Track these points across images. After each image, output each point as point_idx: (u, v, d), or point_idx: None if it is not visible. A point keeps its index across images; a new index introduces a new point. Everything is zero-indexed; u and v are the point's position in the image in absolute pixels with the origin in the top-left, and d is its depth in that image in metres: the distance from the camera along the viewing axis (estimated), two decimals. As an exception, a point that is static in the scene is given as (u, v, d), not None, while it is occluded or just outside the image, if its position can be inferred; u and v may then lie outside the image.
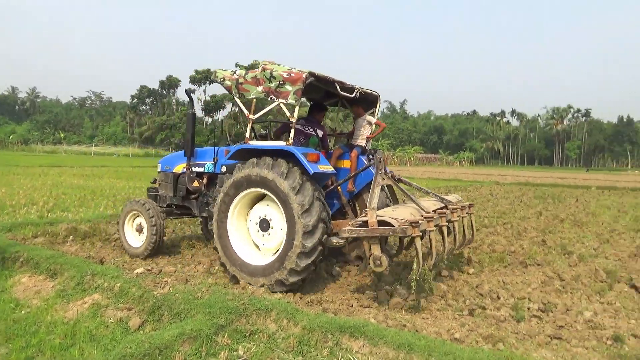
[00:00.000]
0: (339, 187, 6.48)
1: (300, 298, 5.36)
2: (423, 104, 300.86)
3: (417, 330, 4.42)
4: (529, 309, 5.18)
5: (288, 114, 5.72)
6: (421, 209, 5.61)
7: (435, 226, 5.37)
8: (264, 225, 5.72)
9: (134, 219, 7.13)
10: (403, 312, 5.05)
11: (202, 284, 5.37)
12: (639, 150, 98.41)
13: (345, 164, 6.70)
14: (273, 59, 6.00)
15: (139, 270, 5.93)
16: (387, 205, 6.37)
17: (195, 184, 6.94)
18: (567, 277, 6.44)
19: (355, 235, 5.02)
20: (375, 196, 5.37)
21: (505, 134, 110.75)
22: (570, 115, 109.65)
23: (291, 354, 3.92)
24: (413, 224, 4.90)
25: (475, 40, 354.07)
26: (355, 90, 6.23)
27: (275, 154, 5.60)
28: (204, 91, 73.89)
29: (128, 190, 16.18)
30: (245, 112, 6.01)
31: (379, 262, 4.89)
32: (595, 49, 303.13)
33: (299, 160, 5.38)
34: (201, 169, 7.09)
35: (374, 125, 6.85)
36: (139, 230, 7.02)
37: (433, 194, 6.68)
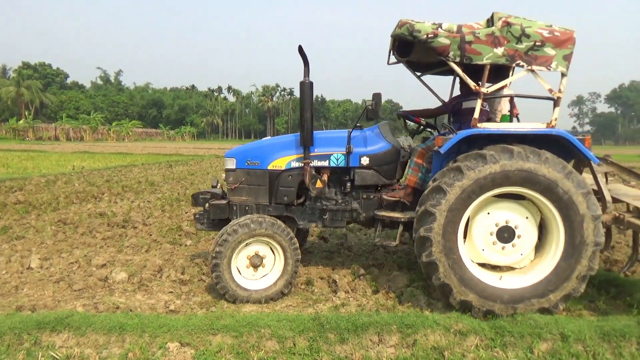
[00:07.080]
0: None
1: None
2: (140, 76, 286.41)
3: (130, 310, 4.32)
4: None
5: (546, 86, 4.36)
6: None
7: None
8: (505, 235, 4.39)
9: (244, 249, 4.82)
10: (117, 295, 4.85)
11: None
12: (332, 124, 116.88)
13: None
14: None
15: None
16: None
17: (319, 184, 5.02)
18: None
19: None
20: (604, 186, 4.66)
21: (224, 109, 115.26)
22: (278, 94, 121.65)
23: (-28, 368, 3.30)
24: None
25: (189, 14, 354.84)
26: None
27: (524, 140, 4.26)
28: None
29: None
30: (471, 83, 4.46)
31: None
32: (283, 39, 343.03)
33: (576, 148, 4.18)
34: (324, 163, 5.11)
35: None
36: (255, 264, 4.83)
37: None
